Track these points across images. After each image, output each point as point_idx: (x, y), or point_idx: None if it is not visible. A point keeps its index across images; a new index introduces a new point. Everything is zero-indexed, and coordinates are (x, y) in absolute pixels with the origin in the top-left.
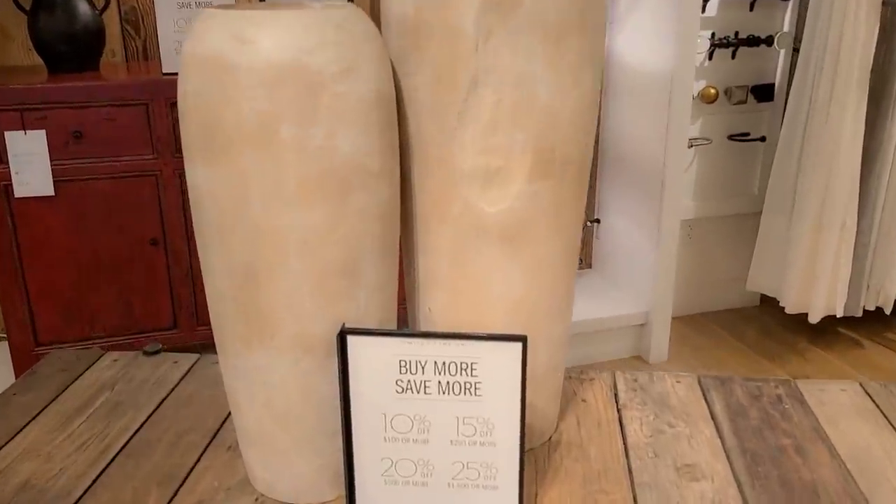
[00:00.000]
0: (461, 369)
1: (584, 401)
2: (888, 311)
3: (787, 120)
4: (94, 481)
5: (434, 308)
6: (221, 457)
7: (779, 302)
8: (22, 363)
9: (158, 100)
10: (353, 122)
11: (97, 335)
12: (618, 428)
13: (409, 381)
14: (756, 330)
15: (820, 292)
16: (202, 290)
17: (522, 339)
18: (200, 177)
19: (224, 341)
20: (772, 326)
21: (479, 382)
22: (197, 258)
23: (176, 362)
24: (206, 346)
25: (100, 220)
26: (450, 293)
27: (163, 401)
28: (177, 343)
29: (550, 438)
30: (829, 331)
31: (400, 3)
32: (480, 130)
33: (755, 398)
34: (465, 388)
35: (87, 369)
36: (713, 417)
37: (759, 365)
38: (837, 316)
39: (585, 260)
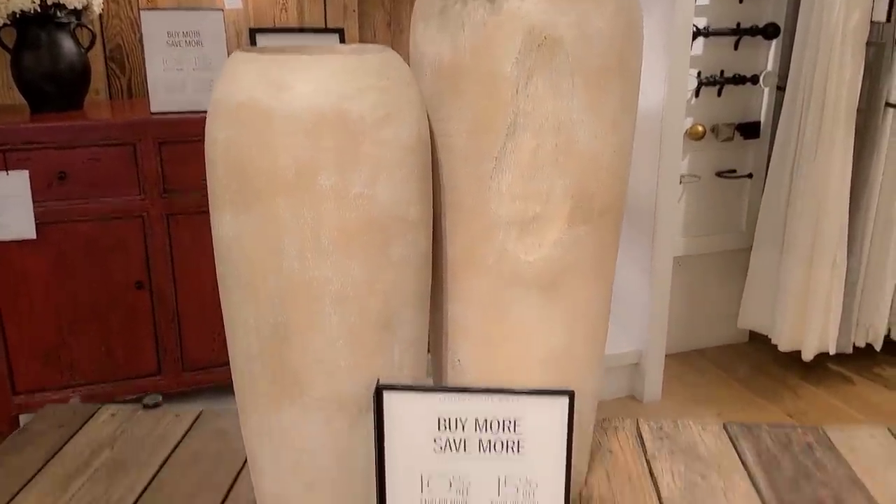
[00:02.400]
0: (503, 426)
1: (610, 451)
2: (878, 348)
3: (776, 157)
4: None
5: (463, 360)
6: None
7: (769, 338)
8: None
9: (146, 140)
10: (393, 169)
11: (77, 382)
12: (650, 481)
13: (447, 438)
14: (748, 366)
15: (813, 330)
16: (189, 334)
17: (570, 394)
18: (229, 226)
19: (247, 400)
20: (763, 363)
21: (522, 440)
22: (183, 300)
23: (178, 415)
24: (193, 392)
25: (83, 264)
26: (481, 344)
27: (167, 459)
28: (162, 389)
29: (581, 493)
30: (820, 367)
31: (434, 45)
32: (519, 176)
33: (785, 447)
34: (507, 446)
35: (83, 425)
36: (745, 467)
37: (753, 402)
38: (830, 353)
39: None
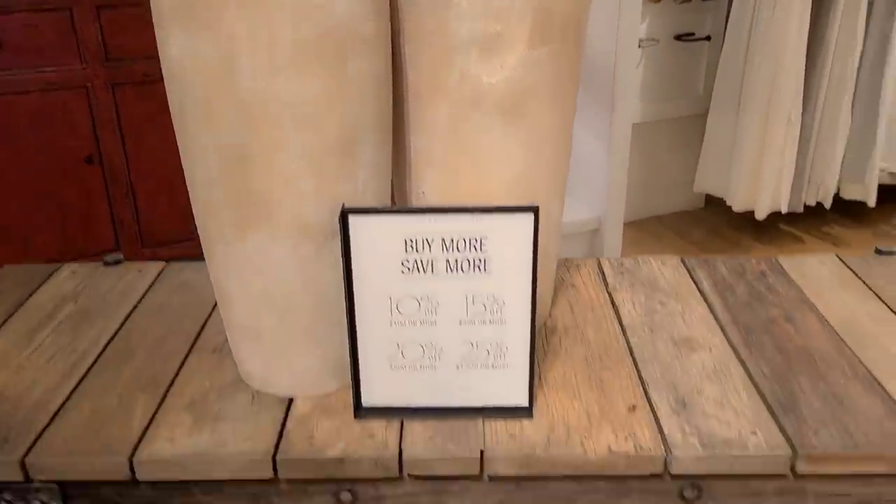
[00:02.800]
0: (470, 245)
1: (573, 286)
2: (828, 206)
3: (734, 16)
4: (73, 391)
5: (428, 191)
6: (207, 359)
7: (724, 202)
8: None
9: (82, 4)
10: None
11: (32, 260)
12: (611, 310)
13: (415, 260)
14: (703, 231)
15: (766, 189)
16: (146, 208)
17: (534, 210)
18: (179, 45)
19: (211, 231)
20: (718, 226)
21: (488, 258)
22: (137, 175)
23: (140, 271)
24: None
25: (29, 138)
26: (444, 174)
27: (133, 309)
28: None
29: (545, 323)
30: (772, 228)
31: None
32: None
33: (740, 275)
34: (474, 265)
35: (43, 283)
36: (702, 293)
37: None
38: (782, 212)
39: None
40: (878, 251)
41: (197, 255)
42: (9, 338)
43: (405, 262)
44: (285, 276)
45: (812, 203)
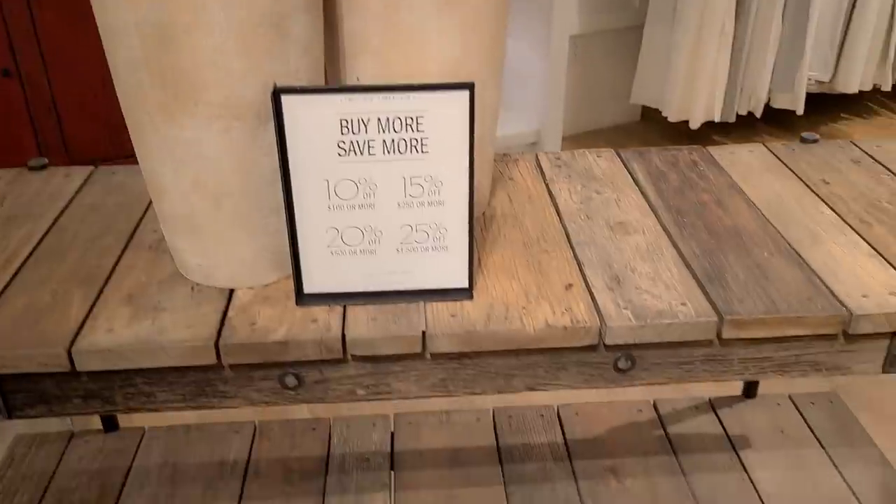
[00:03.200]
0: (406, 125)
1: (511, 179)
2: (759, 115)
3: None
4: (6, 287)
5: (362, 76)
6: (144, 255)
7: (660, 115)
8: None
9: None
10: None
11: None
12: (548, 199)
13: (351, 141)
14: (638, 143)
15: (700, 98)
16: (71, 124)
17: (469, 87)
18: None
19: (139, 116)
20: (653, 139)
21: (425, 138)
22: (59, 89)
23: (67, 175)
24: None
25: None
26: (380, 57)
27: (63, 211)
28: None
29: (484, 213)
30: (705, 138)
31: None
32: None
33: (672, 164)
34: (411, 146)
35: None
36: (636, 182)
37: None
38: (715, 121)
39: None
40: (803, 139)
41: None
42: None
43: (341, 144)
44: (218, 161)
45: (744, 112)
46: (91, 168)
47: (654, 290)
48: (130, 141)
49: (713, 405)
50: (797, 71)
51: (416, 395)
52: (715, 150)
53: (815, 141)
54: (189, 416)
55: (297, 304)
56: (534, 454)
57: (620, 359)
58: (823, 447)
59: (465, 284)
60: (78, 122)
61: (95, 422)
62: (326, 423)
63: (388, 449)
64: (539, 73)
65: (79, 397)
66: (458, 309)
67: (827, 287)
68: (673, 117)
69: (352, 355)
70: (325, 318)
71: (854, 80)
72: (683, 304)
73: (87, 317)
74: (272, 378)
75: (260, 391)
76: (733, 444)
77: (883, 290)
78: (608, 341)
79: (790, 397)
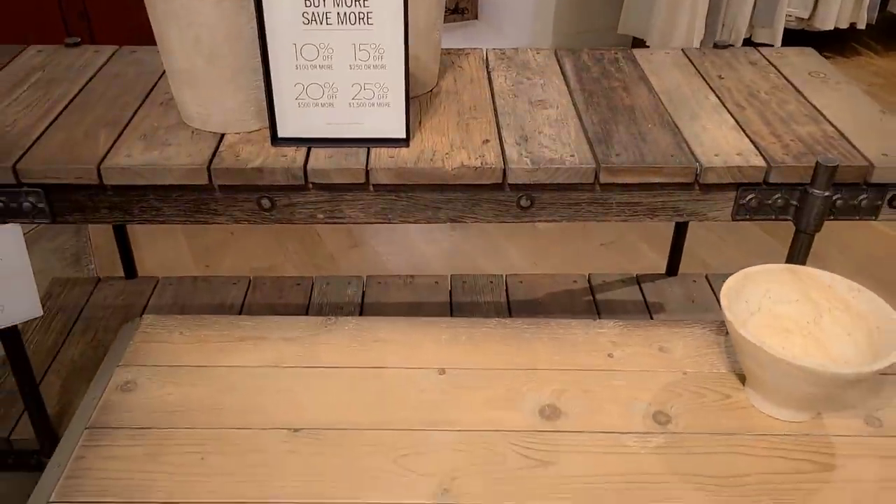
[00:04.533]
0: (355, 0)
1: (460, 67)
2: (738, 45)
3: None
4: (48, 126)
5: None
6: (156, 109)
7: (646, 43)
8: None
9: None
10: None
11: None
12: (487, 83)
13: (313, 13)
14: None
15: (681, 29)
16: (96, 17)
17: None
18: None
19: None
20: None
21: (370, 13)
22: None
23: (97, 51)
24: None
25: None
26: None
27: (92, 77)
28: None
29: (431, 90)
30: None
31: None
32: None
33: (598, 60)
34: (359, 18)
35: (12, 60)
36: (563, 73)
37: None
38: None
39: (472, 11)
40: (715, 45)
41: None
42: None
43: (305, 15)
44: (213, 27)
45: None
46: (116, 47)
47: (552, 146)
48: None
49: (638, 280)
50: (777, 6)
51: (364, 221)
52: (638, 52)
53: (726, 47)
54: (195, 271)
55: (272, 144)
56: (480, 310)
57: (522, 198)
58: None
59: (403, 135)
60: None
61: (118, 270)
62: (310, 280)
63: (360, 301)
64: (530, 4)
65: (105, 208)
66: (396, 153)
67: (689, 148)
68: (655, 47)
69: (312, 183)
70: (293, 155)
71: (831, 18)
72: (572, 155)
73: (111, 147)
74: (252, 200)
75: (243, 211)
76: (649, 309)
77: (733, 152)
78: (510, 181)
79: (706, 276)
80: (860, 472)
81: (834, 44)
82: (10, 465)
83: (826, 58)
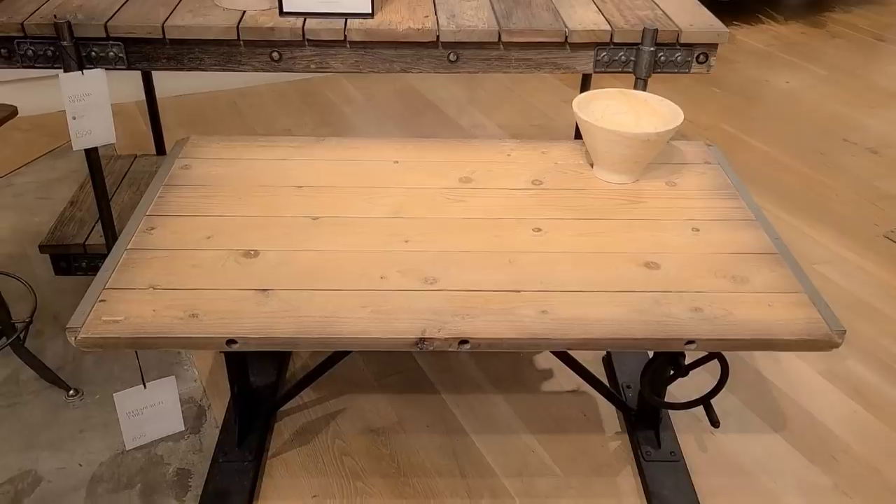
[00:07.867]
0: None
1: None
2: None
3: None
4: (126, 2)
5: None
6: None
7: None
8: None
9: None
10: None
11: None
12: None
13: None
14: None
15: None
16: None
17: None
18: None
19: None
20: None
21: None
22: None
23: None
24: None
25: None
26: None
27: None
28: None
29: None
30: None
31: None
32: None
33: None
34: None
35: None
36: None
37: None
38: None
39: None
40: None
41: None
42: None
43: None
44: None
45: None
46: None
47: (472, 20)
48: None
49: None
50: None
51: (343, 70)
52: None
53: None
54: None
55: (279, 15)
56: None
57: (450, 54)
58: None
59: (369, 10)
60: None
61: (150, 149)
62: None
63: None
64: None
65: (164, 59)
66: (365, 22)
67: (564, 22)
68: None
69: (308, 40)
70: (294, 21)
71: None
72: (485, 24)
73: (169, 15)
74: (266, 55)
75: (260, 61)
76: None
77: (591, 24)
78: (442, 40)
79: None
80: (656, 203)
81: (741, 13)
82: (83, 267)
83: (733, 25)
